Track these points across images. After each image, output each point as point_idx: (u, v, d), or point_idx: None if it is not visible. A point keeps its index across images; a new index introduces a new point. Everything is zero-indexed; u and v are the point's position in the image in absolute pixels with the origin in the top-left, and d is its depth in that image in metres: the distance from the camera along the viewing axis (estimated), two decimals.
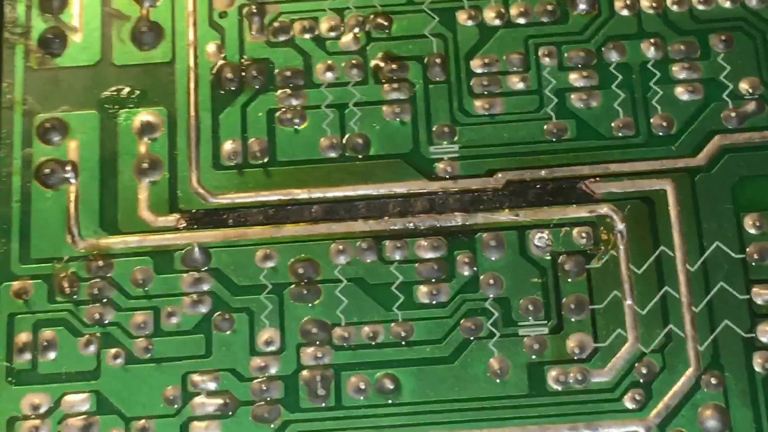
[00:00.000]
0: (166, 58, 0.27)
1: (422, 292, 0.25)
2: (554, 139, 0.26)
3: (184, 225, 0.26)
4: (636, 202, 0.25)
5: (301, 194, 0.26)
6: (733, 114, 0.26)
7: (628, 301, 0.25)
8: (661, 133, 0.26)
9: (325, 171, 0.26)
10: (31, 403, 0.24)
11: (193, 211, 0.26)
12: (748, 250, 0.25)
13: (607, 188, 0.25)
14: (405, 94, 0.26)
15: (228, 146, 0.26)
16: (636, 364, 0.24)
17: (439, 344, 0.25)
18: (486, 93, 0.26)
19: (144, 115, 0.26)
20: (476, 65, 0.26)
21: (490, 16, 0.27)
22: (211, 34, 0.27)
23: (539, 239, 0.25)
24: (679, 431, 0.24)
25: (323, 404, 0.24)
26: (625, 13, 0.27)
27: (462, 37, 0.27)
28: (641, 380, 0.24)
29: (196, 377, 0.25)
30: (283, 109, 0.26)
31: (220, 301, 0.25)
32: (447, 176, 0.26)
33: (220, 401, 0.24)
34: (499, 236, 0.25)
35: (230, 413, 0.24)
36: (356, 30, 0.27)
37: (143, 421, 0.24)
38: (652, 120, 0.26)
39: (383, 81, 0.26)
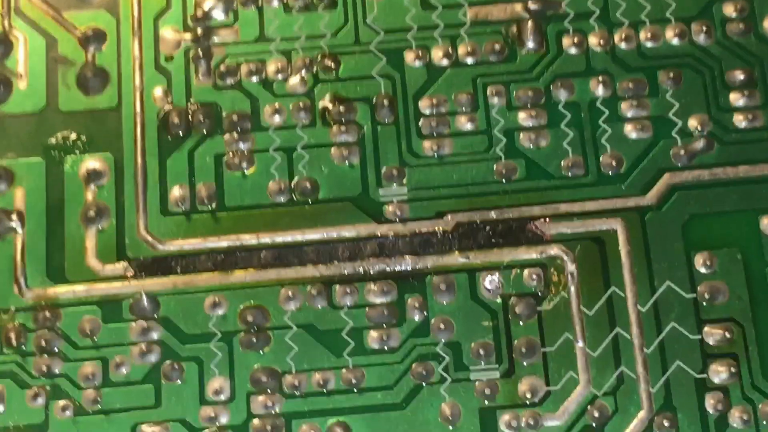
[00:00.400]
0: (112, 104, 0.27)
1: (372, 337, 0.25)
2: (503, 180, 0.26)
3: (132, 273, 0.26)
4: (586, 243, 0.25)
5: (250, 239, 0.26)
6: (682, 152, 0.26)
7: (580, 344, 0.25)
8: (610, 172, 0.26)
9: (274, 215, 0.26)
10: None
11: (141, 258, 0.26)
12: (699, 289, 0.25)
13: (557, 229, 0.25)
14: (353, 136, 0.26)
15: (175, 192, 0.26)
16: (588, 407, 0.24)
17: (390, 390, 0.25)
18: (435, 134, 0.26)
19: (90, 162, 0.26)
20: (424, 106, 0.26)
21: (437, 56, 0.27)
22: (157, 78, 0.27)
23: (489, 282, 0.25)
24: None
25: None
26: (573, 51, 0.27)
27: (410, 77, 0.27)
28: (594, 424, 0.24)
29: (145, 428, 0.24)
30: (231, 154, 0.26)
31: (169, 350, 0.25)
32: (396, 219, 0.26)
33: None
34: (450, 279, 0.25)
35: None
36: (303, 72, 0.27)
37: None
38: (601, 158, 0.26)
39: (331, 123, 0.26)
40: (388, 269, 0.25)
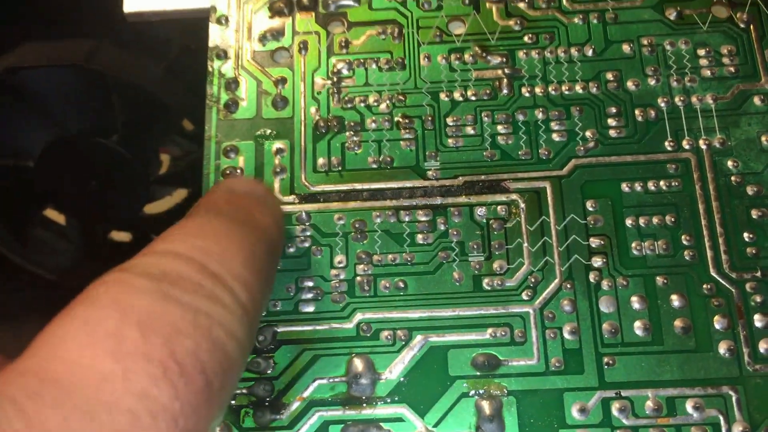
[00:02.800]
0: (289, 115, 0.28)
1: (419, 237, 0.26)
2: (489, 160, 0.27)
3: (297, 201, 0.27)
4: (531, 193, 0.27)
5: (358, 186, 0.27)
6: (582, 148, 0.27)
7: (525, 244, 0.26)
8: (545, 158, 0.27)
9: (371, 174, 0.27)
10: None
11: (302, 193, 0.27)
12: (587, 218, 0.26)
13: (516, 186, 0.27)
14: (412, 135, 0.28)
15: (320, 161, 0.28)
16: (529, 276, 0.26)
17: (428, 264, 0.26)
18: (454, 135, 0.28)
19: (277, 144, 0.28)
20: (449, 121, 0.28)
21: (456, 95, 0.28)
22: (312, 102, 0.28)
23: (480, 212, 0.27)
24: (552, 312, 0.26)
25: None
26: (527, 95, 0.28)
27: (442, 106, 0.28)
28: (531, 285, 0.25)
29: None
30: (349, 143, 0.28)
31: (316, 241, 0.26)
32: (433, 178, 0.27)
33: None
34: (460, 210, 0.27)
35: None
36: (387, 101, 0.28)
37: None
38: (540, 150, 0.27)
39: (401, 128, 0.28)
40: (428, 203, 0.27)
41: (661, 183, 0.27)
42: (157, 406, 0.14)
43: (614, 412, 0.24)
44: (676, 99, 0.28)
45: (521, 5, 0.30)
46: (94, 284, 0.16)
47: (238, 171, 0.28)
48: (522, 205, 0.27)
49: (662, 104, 0.28)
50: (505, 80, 0.28)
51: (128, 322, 0.15)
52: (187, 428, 0.15)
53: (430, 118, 0.28)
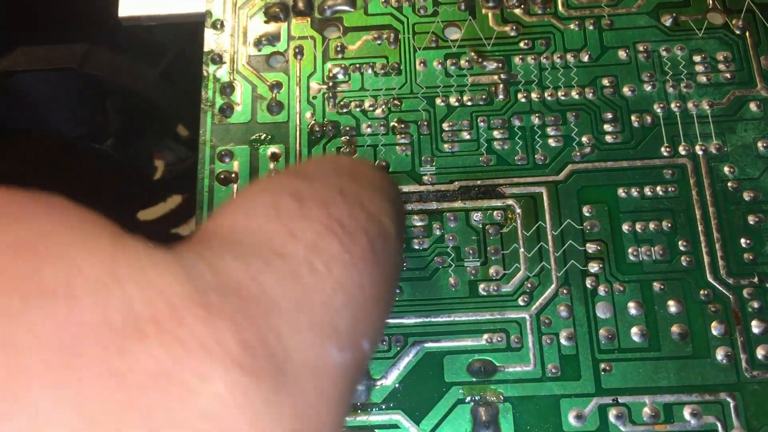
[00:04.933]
0: (284, 120, 0.28)
1: (414, 242, 0.26)
2: (485, 165, 0.27)
3: None
4: (527, 198, 0.27)
5: None
6: (578, 154, 0.27)
7: (521, 249, 0.26)
8: (541, 163, 0.27)
9: None
10: None
11: None
12: (584, 224, 0.26)
13: (512, 191, 0.27)
14: (408, 140, 0.28)
15: None
16: (525, 282, 0.25)
17: (423, 270, 0.26)
18: (450, 140, 0.28)
19: (272, 149, 0.28)
20: (445, 126, 0.28)
21: (452, 100, 0.28)
22: (307, 107, 0.28)
23: (476, 217, 0.26)
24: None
25: None
26: (523, 100, 0.28)
27: (438, 111, 0.28)
28: (527, 290, 0.25)
29: None
30: (345, 147, 0.28)
31: None
32: (429, 183, 0.27)
33: None
34: (456, 215, 0.26)
35: None
36: (383, 106, 0.28)
37: None
38: (536, 155, 0.27)
39: (397, 133, 0.28)
40: (423, 208, 0.27)
41: (658, 188, 0.26)
42: (328, 257, 0.15)
43: (611, 418, 0.24)
44: (672, 105, 0.28)
45: (517, 11, 0.30)
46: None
47: (233, 175, 0.27)
48: (518, 211, 0.27)
49: (658, 110, 0.28)
50: (501, 85, 0.28)
51: (281, 194, 0.16)
52: (362, 283, 0.15)
53: (425, 123, 0.28)
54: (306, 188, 0.16)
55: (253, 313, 0.13)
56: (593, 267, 0.26)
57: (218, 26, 0.30)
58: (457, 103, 0.28)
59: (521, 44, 0.29)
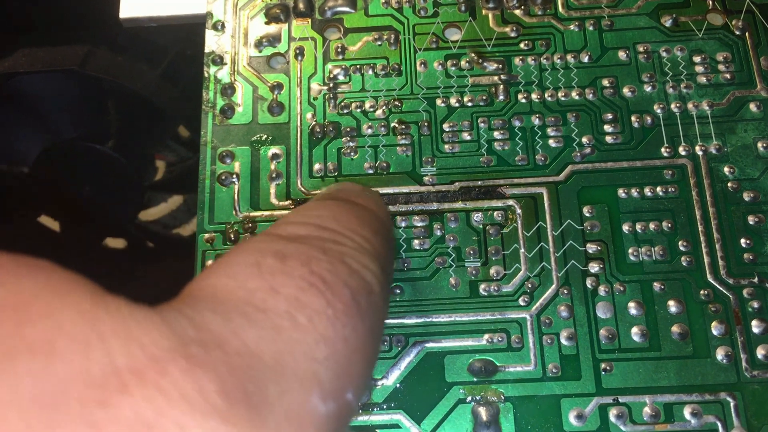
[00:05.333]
0: (285, 121, 0.28)
1: (415, 243, 0.26)
2: (485, 166, 0.27)
3: (293, 206, 0.27)
4: (527, 199, 0.27)
5: None
6: (578, 154, 0.27)
7: (522, 250, 0.26)
8: (541, 163, 0.27)
9: (367, 180, 0.27)
10: None
11: (298, 199, 0.27)
12: (584, 224, 0.26)
13: (512, 191, 0.27)
14: (409, 141, 0.27)
15: (316, 166, 0.27)
16: (525, 282, 0.25)
17: (424, 270, 0.26)
18: (450, 140, 0.28)
19: (273, 149, 0.28)
20: (446, 127, 0.28)
21: (452, 101, 0.28)
22: (308, 108, 0.28)
23: (476, 217, 0.26)
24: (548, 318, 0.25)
25: None
26: (523, 101, 0.28)
27: (438, 112, 0.28)
28: (527, 290, 0.25)
29: None
30: (345, 148, 0.28)
31: None
32: (430, 183, 0.27)
33: None
34: (456, 215, 0.26)
35: None
36: (384, 107, 0.28)
37: None
38: (536, 156, 0.27)
39: (397, 134, 0.28)
40: (424, 208, 0.27)
41: (658, 189, 0.26)
42: (310, 311, 0.15)
43: (612, 418, 0.24)
44: (672, 105, 0.28)
45: (517, 12, 0.30)
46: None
47: (234, 176, 0.27)
48: (518, 211, 0.27)
49: (658, 111, 0.28)
50: (501, 86, 0.28)
51: (264, 254, 0.16)
52: (345, 336, 0.16)
53: (426, 124, 0.28)
54: (288, 248, 0.17)
55: (234, 364, 0.13)
56: (593, 267, 0.26)
57: (219, 27, 0.30)
58: (457, 104, 0.28)
59: (521, 45, 0.29)
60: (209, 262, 0.26)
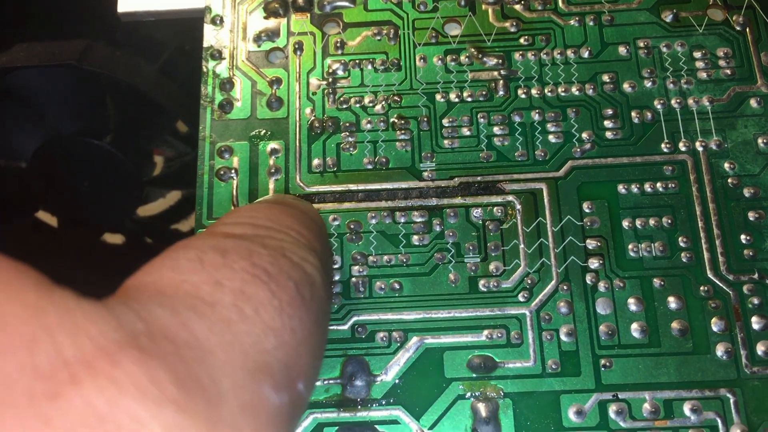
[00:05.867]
0: (284, 115, 0.28)
1: (414, 239, 0.26)
2: (485, 161, 0.27)
3: None
4: (527, 195, 0.26)
5: (353, 187, 0.27)
6: (578, 150, 0.27)
7: (521, 246, 0.26)
8: (541, 159, 0.27)
9: (366, 175, 0.27)
10: None
11: (297, 194, 0.27)
12: (584, 220, 0.26)
13: (512, 187, 0.27)
14: (408, 136, 0.27)
15: (315, 162, 0.27)
16: (525, 278, 0.25)
17: (423, 266, 0.26)
18: (450, 136, 0.27)
19: (272, 144, 0.28)
20: (445, 122, 0.28)
21: (452, 96, 0.28)
22: (308, 103, 0.28)
23: (476, 213, 0.26)
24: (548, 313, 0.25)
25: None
26: (523, 96, 0.28)
27: (438, 107, 0.28)
28: (527, 286, 0.25)
29: None
30: (344, 144, 0.27)
31: None
32: (429, 179, 0.27)
33: None
34: (456, 211, 0.26)
35: None
36: (383, 102, 0.28)
37: None
38: (536, 152, 0.27)
39: (397, 129, 0.28)
40: (423, 204, 0.27)
41: (658, 185, 0.26)
42: (256, 302, 0.15)
43: (611, 414, 0.24)
44: (673, 101, 0.28)
45: (517, 7, 0.30)
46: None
47: (233, 171, 0.27)
48: (518, 207, 0.27)
49: (658, 106, 0.28)
50: (501, 81, 0.28)
51: (205, 250, 0.16)
52: (292, 326, 0.16)
53: (425, 119, 0.28)
54: (228, 243, 0.17)
55: (186, 356, 0.13)
56: (593, 263, 0.26)
57: (217, 22, 0.30)
58: (457, 99, 0.28)
59: (521, 40, 0.29)
60: None
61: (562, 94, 0.28)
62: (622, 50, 0.28)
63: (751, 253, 0.25)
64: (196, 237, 0.18)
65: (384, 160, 0.27)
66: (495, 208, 0.26)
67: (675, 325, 0.25)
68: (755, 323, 0.25)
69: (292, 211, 0.21)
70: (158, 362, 0.12)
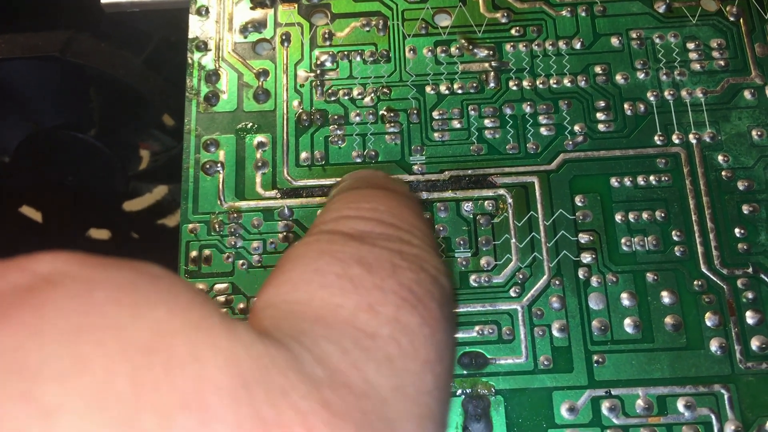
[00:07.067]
0: (271, 108, 0.28)
1: None
2: (476, 154, 0.27)
3: (279, 196, 0.26)
4: (518, 188, 0.26)
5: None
6: (570, 142, 0.27)
7: (513, 240, 0.26)
8: (532, 152, 0.27)
9: (355, 168, 0.26)
10: None
11: (284, 188, 0.27)
12: (576, 214, 0.26)
13: (503, 180, 0.26)
14: (398, 129, 0.27)
15: (303, 155, 0.27)
16: (516, 273, 0.25)
17: None
18: (440, 128, 0.27)
19: (259, 137, 0.27)
20: (435, 114, 0.27)
21: (442, 88, 0.27)
22: (295, 95, 0.28)
23: (467, 207, 0.26)
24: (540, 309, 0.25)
25: None
26: (514, 88, 0.27)
27: (428, 99, 0.27)
28: (518, 281, 0.25)
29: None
30: (333, 137, 0.27)
31: (297, 236, 0.26)
32: (419, 172, 0.27)
33: None
34: (446, 205, 0.26)
35: None
36: (372, 95, 0.28)
37: None
38: (527, 144, 0.27)
39: (386, 122, 0.27)
40: None
41: (651, 178, 0.26)
42: (410, 333, 0.14)
43: (604, 411, 0.24)
44: (666, 93, 0.27)
45: None
46: (291, 247, 0.17)
47: (219, 165, 0.27)
48: (509, 201, 0.26)
49: (651, 98, 0.27)
50: (492, 73, 0.28)
51: (350, 263, 0.15)
52: (441, 356, 0.15)
53: (415, 112, 0.27)
54: (367, 253, 0.16)
55: (367, 409, 0.13)
56: (586, 257, 0.25)
57: (203, 13, 0.29)
58: (447, 91, 0.28)
59: (512, 31, 0.29)
60: (193, 253, 0.26)
61: (554, 86, 0.28)
62: (614, 41, 0.28)
63: (745, 247, 0.25)
64: (328, 239, 0.16)
65: (373, 153, 0.27)
66: (486, 202, 0.26)
67: (668, 320, 0.24)
68: (749, 318, 0.24)
69: (406, 201, 0.19)
70: (345, 423, 0.12)
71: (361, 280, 0.15)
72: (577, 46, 0.28)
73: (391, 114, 0.27)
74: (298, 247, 0.16)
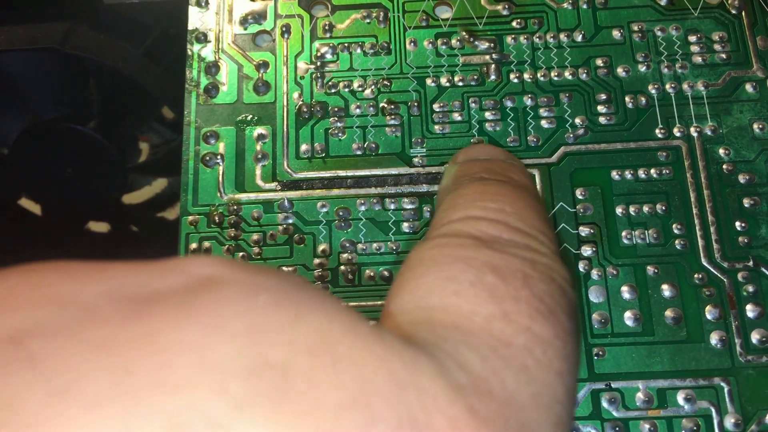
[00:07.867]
0: (271, 100, 0.28)
1: (404, 225, 0.26)
2: None
3: (279, 188, 0.27)
4: None
5: (342, 173, 0.27)
6: (571, 135, 0.27)
7: None
8: (533, 145, 0.27)
9: (355, 161, 0.27)
10: None
11: (284, 180, 0.27)
12: (577, 207, 0.26)
13: None
14: (398, 121, 0.27)
15: (303, 147, 0.27)
16: None
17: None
18: (441, 121, 0.27)
19: (259, 130, 0.27)
20: (436, 107, 0.27)
21: (443, 81, 0.27)
22: (295, 87, 0.28)
23: None
24: None
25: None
26: (515, 81, 0.27)
27: (428, 92, 0.27)
28: None
29: (284, 269, 0.25)
30: (333, 129, 0.27)
31: (298, 229, 0.26)
32: (419, 165, 0.27)
33: None
34: None
35: None
36: (372, 87, 0.28)
37: None
38: (528, 137, 0.27)
39: (386, 114, 0.27)
40: (413, 191, 0.26)
41: (652, 171, 0.26)
42: (544, 344, 0.15)
43: (604, 404, 0.24)
44: (667, 86, 0.27)
45: None
46: (414, 251, 0.17)
47: (219, 157, 0.27)
48: None
49: (653, 91, 0.27)
50: (493, 66, 0.28)
51: (484, 271, 0.16)
52: (570, 369, 0.15)
53: (416, 104, 0.27)
54: (499, 261, 0.16)
55: (509, 416, 0.13)
56: (586, 250, 0.25)
57: (203, 4, 0.29)
58: (448, 84, 0.28)
59: (514, 23, 0.29)
60: (193, 245, 0.26)
61: (555, 78, 0.28)
62: (616, 34, 0.28)
63: (746, 240, 0.25)
64: (458, 242, 0.17)
65: (373, 145, 0.27)
66: None
67: (669, 313, 0.24)
68: (750, 311, 0.24)
69: (531, 200, 0.20)
70: (491, 429, 0.12)
71: (495, 288, 0.15)
72: (579, 38, 0.28)
73: (392, 106, 0.27)
74: (428, 249, 0.17)
